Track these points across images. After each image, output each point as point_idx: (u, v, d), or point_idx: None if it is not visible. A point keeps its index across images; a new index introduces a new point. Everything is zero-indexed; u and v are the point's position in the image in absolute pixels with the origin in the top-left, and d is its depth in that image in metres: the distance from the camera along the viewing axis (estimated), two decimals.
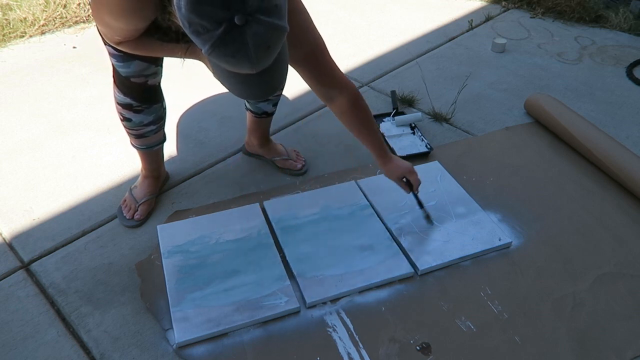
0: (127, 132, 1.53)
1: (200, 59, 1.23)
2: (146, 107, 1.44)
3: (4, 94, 2.27)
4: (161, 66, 1.41)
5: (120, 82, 1.38)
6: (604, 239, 1.57)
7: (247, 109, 1.74)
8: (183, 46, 1.20)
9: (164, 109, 1.52)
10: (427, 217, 1.59)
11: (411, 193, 1.56)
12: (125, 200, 1.64)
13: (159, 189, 1.71)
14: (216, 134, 2.02)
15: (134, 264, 1.48)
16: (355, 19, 2.98)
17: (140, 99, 1.41)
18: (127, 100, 1.41)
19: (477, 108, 2.18)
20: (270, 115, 1.73)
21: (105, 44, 1.30)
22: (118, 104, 1.45)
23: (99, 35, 1.28)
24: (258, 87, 0.99)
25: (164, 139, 1.61)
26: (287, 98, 2.20)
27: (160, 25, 1.15)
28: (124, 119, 1.47)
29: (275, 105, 1.71)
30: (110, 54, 1.32)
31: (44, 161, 1.88)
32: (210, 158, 1.89)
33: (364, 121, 1.43)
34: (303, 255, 1.48)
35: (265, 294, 1.37)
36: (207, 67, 1.13)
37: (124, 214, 1.61)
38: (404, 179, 1.52)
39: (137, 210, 1.60)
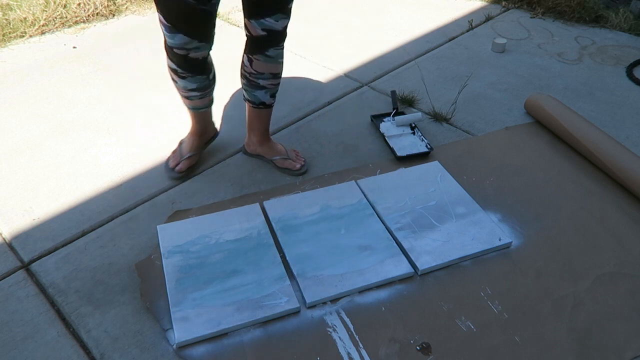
0: (176, 89, 1.66)
1: None
2: (189, 76, 1.56)
3: (3, 94, 2.27)
4: (207, 42, 1.49)
5: (167, 49, 1.51)
6: (604, 239, 1.57)
7: (245, 99, 1.75)
8: None
9: (210, 80, 1.63)
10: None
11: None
12: (174, 151, 1.82)
13: (203, 146, 1.85)
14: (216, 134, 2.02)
15: (134, 264, 1.48)
16: (355, 19, 2.98)
17: (182, 68, 1.53)
18: (173, 65, 1.54)
19: (477, 108, 2.18)
20: (268, 107, 1.74)
21: (157, 10, 1.44)
22: (168, 66, 1.58)
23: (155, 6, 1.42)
24: None
25: (209, 104, 1.74)
26: (287, 98, 2.20)
27: None
28: (172, 80, 1.61)
29: (272, 96, 1.72)
30: (161, 22, 1.44)
31: (44, 161, 1.88)
32: (210, 158, 1.89)
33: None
34: (303, 255, 1.48)
35: (265, 294, 1.37)
36: None
37: (169, 164, 1.79)
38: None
39: (180, 163, 1.76)
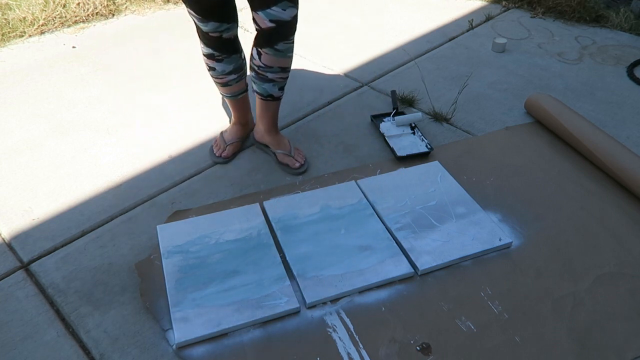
0: (215, 82, 1.77)
1: None
2: (225, 57, 1.66)
3: (3, 94, 2.27)
4: (235, 22, 1.61)
5: (202, 35, 1.62)
6: (604, 239, 1.57)
7: (254, 91, 1.76)
8: None
9: (243, 60, 1.74)
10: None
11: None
12: (216, 141, 1.89)
13: (246, 135, 1.94)
14: (216, 134, 2.02)
15: (134, 264, 1.48)
16: (355, 19, 2.97)
17: (219, 49, 1.64)
18: (210, 50, 1.64)
19: (477, 108, 2.18)
20: (276, 99, 1.76)
21: (183, 2, 1.54)
22: (204, 55, 1.69)
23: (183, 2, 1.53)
24: None
25: (246, 88, 1.82)
26: (287, 98, 2.20)
27: None
28: (210, 69, 1.71)
29: (281, 89, 1.74)
30: (189, 13, 1.55)
31: (44, 161, 1.88)
32: (210, 158, 1.89)
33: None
34: (303, 255, 1.48)
35: (265, 294, 1.37)
36: None
37: (214, 152, 1.86)
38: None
39: (225, 149, 1.84)
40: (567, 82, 2.36)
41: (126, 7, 3.07)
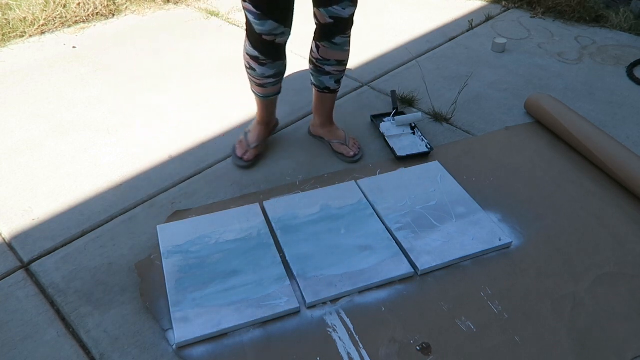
0: (250, 79, 1.74)
1: None
2: (270, 62, 1.63)
3: (3, 94, 2.27)
4: (289, 28, 1.58)
5: (253, 36, 1.57)
6: (604, 239, 1.57)
7: (311, 83, 1.83)
8: None
9: (285, 65, 1.72)
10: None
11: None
12: (240, 141, 1.86)
13: (269, 135, 1.93)
14: (216, 134, 2.02)
15: (134, 264, 1.48)
16: (355, 19, 2.97)
17: (266, 54, 1.60)
18: (255, 52, 1.61)
19: (477, 108, 2.18)
20: (332, 92, 1.82)
21: (242, 1, 1.51)
22: (246, 54, 1.65)
23: None
24: None
25: (279, 91, 1.81)
26: (287, 98, 2.20)
27: None
28: (249, 68, 1.68)
29: (337, 82, 1.80)
30: (247, 10, 1.51)
31: (44, 161, 1.88)
32: (210, 158, 1.89)
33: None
34: (303, 255, 1.48)
35: (265, 294, 1.37)
36: None
37: (237, 152, 1.83)
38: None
39: (247, 152, 1.81)
40: (567, 82, 2.36)
41: (126, 7, 3.07)
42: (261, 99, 1.79)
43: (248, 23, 1.56)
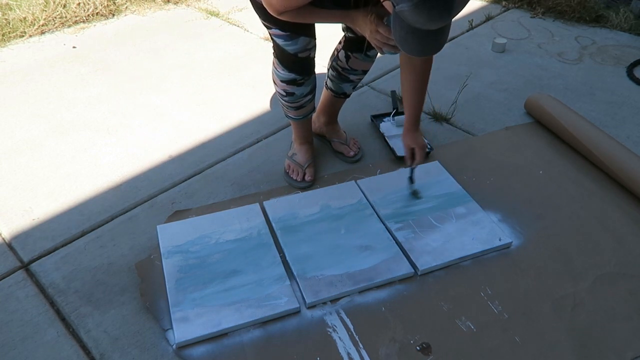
0: (287, 106, 1.67)
1: (360, 25, 1.34)
2: (307, 79, 1.59)
3: (3, 94, 2.27)
4: (315, 39, 1.53)
5: (286, 59, 1.52)
6: (604, 239, 1.57)
7: (327, 88, 1.83)
8: (362, 11, 1.32)
9: (316, 78, 1.65)
10: (415, 193, 1.67)
11: (408, 168, 1.66)
12: (290, 166, 1.79)
13: (314, 147, 1.87)
14: (216, 134, 2.02)
15: (134, 264, 1.48)
16: None
17: (302, 72, 1.56)
18: (292, 75, 1.55)
19: (477, 108, 2.18)
20: (348, 96, 1.83)
21: (268, 29, 1.46)
22: (282, 81, 1.58)
23: (260, 19, 1.45)
24: (435, 41, 1.12)
25: (315, 107, 1.77)
26: None
27: None
28: (287, 94, 1.61)
29: (354, 88, 1.82)
30: (276, 36, 1.47)
31: (44, 161, 1.88)
32: (210, 158, 1.89)
33: (424, 80, 1.63)
34: (303, 255, 1.48)
35: (265, 294, 1.37)
36: (367, 31, 1.30)
37: (294, 178, 1.75)
38: (413, 149, 1.63)
39: (305, 173, 1.75)
40: (567, 82, 2.36)
41: (126, 7, 3.07)
42: (300, 121, 1.74)
43: (278, 48, 1.51)
